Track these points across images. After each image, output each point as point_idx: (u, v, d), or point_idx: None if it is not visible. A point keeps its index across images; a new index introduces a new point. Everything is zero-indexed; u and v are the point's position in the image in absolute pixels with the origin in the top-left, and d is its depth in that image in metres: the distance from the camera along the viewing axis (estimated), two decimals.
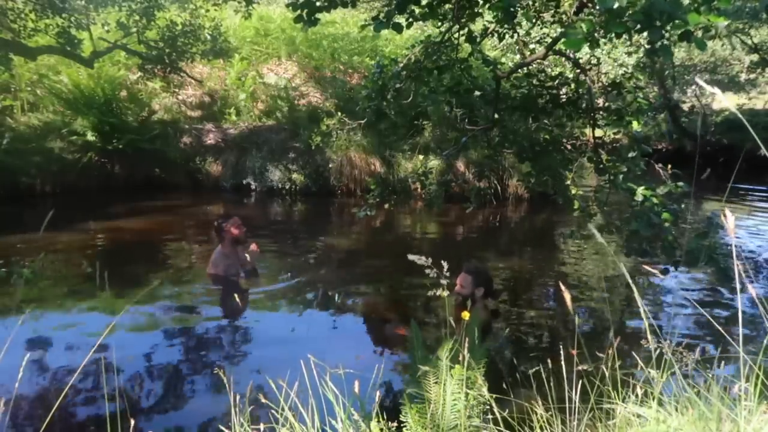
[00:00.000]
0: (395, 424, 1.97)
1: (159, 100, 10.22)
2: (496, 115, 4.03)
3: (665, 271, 3.32)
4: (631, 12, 2.02)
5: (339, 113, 8.05)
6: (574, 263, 6.19)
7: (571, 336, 3.18)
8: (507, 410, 1.87)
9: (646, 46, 2.21)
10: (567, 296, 1.78)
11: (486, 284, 3.99)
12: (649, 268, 2.02)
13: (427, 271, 2.06)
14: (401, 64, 4.03)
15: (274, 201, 9.19)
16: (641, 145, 3.55)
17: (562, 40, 2.45)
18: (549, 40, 4.47)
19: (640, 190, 3.21)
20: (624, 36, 2.18)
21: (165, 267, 5.68)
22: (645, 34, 2.14)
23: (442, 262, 2.07)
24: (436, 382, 2.08)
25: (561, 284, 1.83)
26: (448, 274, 2.04)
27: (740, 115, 1.55)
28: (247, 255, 4.84)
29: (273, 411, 1.76)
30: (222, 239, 4.89)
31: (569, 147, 4.46)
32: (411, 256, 2.06)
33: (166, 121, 9.85)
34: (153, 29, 8.69)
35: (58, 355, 3.57)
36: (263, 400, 1.86)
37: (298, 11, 3.10)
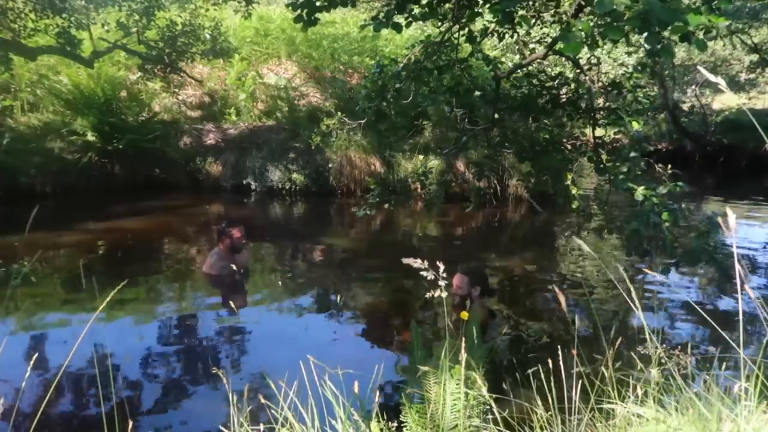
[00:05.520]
0: (395, 424, 1.96)
1: (159, 101, 10.22)
2: (496, 115, 4.03)
3: (665, 271, 3.32)
4: (628, 16, 2.01)
5: (339, 113, 8.04)
6: (574, 263, 6.18)
7: (571, 336, 3.18)
8: (507, 410, 1.87)
9: (646, 47, 2.19)
10: (561, 298, 1.79)
11: (482, 284, 3.99)
12: (647, 270, 2.02)
13: (424, 273, 2.06)
14: (401, 64, 4.03)
15: (274, 201, 9.18)
16: (642, 144, 3.55)
17: (560, 44, 2.45)
18: (549, 40, 4.47)
19: (640, 190, 3.21)
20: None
21: (165, 267, 5.68)
22: (645, 34, 2.14)
23: (440, 263, 2.06)
24: (436, 382, 2.08)
25: (555, 287, 1.83)
26: (444, 275, 2.04)
27: (750, 115, 1.55)
28: (233, 266, 4.84)
29: (273, 411, 1.75)
30: (221, 241, 4.95)
31: (569, 147, 4.46)
32: (405, 260, 2.05)
33: (167, 122, 9.85)
34: (153, 29, 8.69)
35: (56, 355, 3.57)
36: (263, 400, 1.85)
37: (298, 11, 3.11)
